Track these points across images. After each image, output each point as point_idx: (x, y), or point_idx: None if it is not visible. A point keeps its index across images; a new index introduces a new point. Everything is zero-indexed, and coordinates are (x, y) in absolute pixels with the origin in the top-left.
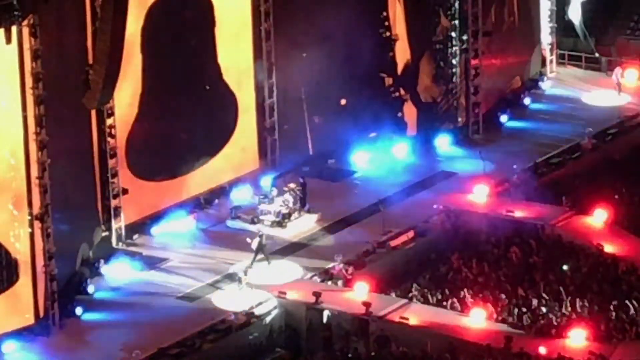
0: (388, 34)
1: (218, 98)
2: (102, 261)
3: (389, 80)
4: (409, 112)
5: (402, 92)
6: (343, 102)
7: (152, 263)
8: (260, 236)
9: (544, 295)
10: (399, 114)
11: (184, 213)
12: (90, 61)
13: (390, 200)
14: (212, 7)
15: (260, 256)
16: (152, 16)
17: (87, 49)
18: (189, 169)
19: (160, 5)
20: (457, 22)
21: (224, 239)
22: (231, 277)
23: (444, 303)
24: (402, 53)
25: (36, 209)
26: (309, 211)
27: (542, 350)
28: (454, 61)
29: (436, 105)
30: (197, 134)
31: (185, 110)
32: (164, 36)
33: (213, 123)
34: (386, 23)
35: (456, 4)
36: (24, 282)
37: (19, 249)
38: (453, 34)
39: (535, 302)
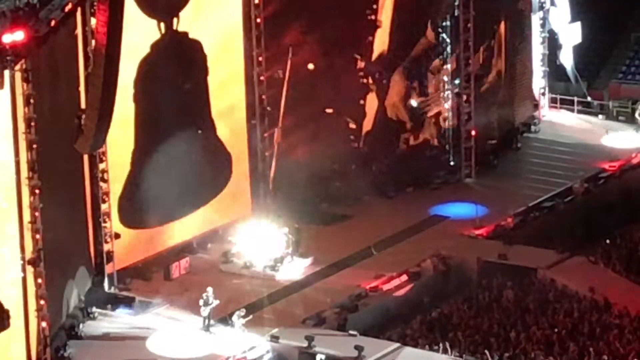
0: (373, 17)
1: (211, 146)
2: (94, 305)
3: (361, 64)
4: (371, 103)
5: (370, 80)
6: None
7: (144, 307)
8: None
9: (536, 338)
10: (361, 102)
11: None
12: (83, 106)
13: (383, 244)
14: (204, 57)
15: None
16: (145, 66)
17: (80, 93)
18: (180, 216)
19: (153, 56)
20: (449, 65)
21: (216, 284)
22: (224, 321)
23: (436, 347)
24: (381, 43)
25: (28, 254)
26: (301, 255)
27: None
28: (446, 105)
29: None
30: (188, 183)
31: (177, 159)
32: (157, 85)
33: (206, 170)
34: (374, 6)
35: (448, 48)
36: (16, 326)
37: (11, 294)
38: (445, 78)
39: (527, 346)
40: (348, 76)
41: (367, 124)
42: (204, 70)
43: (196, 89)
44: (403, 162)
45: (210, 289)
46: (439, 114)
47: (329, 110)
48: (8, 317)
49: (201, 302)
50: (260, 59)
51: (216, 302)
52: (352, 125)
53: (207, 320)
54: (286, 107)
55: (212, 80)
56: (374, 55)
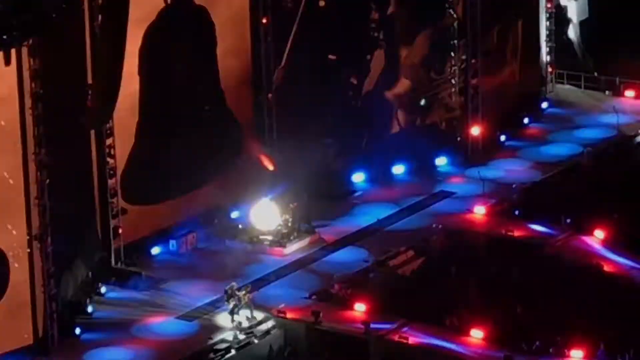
0: None
1: (219, 118)
2: (101, 281)
3: (375, 15)
4: (379, 56)
5: (381, 36)
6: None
7: (151, 283)
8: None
9: (543, 314)
10: (368, 57)
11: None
12: (89, 81)
13: (389, 220)
14: (213, 26)
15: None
16: (150, 37)
17: (86, 69)
18: (187, 190)
19: (158, 25)
20: (456, 41)
21: (223, 259)
22: (231, 297)
23: (443, 322)
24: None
25: (35, 229)
26: (308, 231)
27: None
28: (453, 80)
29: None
30: (196, 155)
31: (184, 131)
32: (162, 57)
33: (213, 144)
34: None
35: (455, 24)
36: (23, 302)
37: (18, 270)
38: (452, 54)
39: (534, 320)
40: (359, 26)
41: (369, 83)
42: (211, 42)
43: (203, 61)
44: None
45: (234, 284)
46: (445, 97)
47: (332, 57)
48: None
49: (225, 295)
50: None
51: (242, 292)
52: (354, 81)
53: (233, 312)
54: (292, 45)
55: (218, 52)
56: (390, 9)
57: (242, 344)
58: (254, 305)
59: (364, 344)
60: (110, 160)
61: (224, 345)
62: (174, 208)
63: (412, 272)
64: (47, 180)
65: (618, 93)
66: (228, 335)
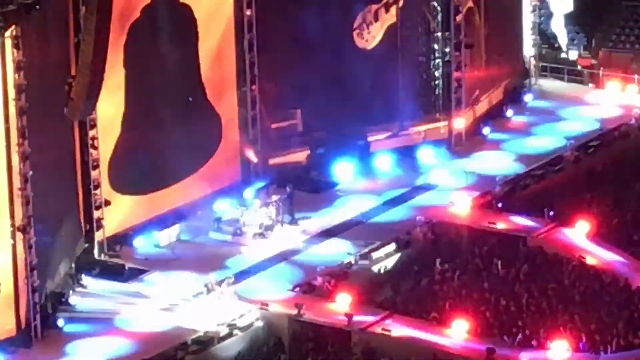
0: None
1: (201, 112)
2: (83, 273)
3: None
4: None
5: None
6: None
7: (134, 274)
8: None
9: (526, 306)
10: None
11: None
12: (73, 73)
13: (372, 212)
14: (195, 21)
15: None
16: (134, 32)
17: (70, 60)
18: (171, 182)
19: (142, 20)
20: (439, 34)
21: (206, 251)
22: (213, 289)
23: (426, 315)
24: None
25: (18, 221)
26: (291, 223)
27: None
28: (436, 73)
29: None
30: (180, 148)
31: (167, 125)
32: (146, 51)
33: (196, 136)
34: None
35: (439, 16)
36: (5, 294)
37: (1, 261)
38: (436, 46)
39: (517, 313)
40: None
41: None
42: (195, 36)
43: (187, 55)
44: None
45: (212, 276)
46: None
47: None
48: None
49: (205, 289)
50: (250, 24)
51: (223, 284)
52: None
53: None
54: None
55: (202, 46)
56: None
57: (225, 335)
58: (236, 297)
59: (346, 335)
60: (94, 152)
61: (207, 337)
62: (157, 200)
63: (395, 264)
64: (30, 172)
65: (601, 85)
66: (211, 327)
